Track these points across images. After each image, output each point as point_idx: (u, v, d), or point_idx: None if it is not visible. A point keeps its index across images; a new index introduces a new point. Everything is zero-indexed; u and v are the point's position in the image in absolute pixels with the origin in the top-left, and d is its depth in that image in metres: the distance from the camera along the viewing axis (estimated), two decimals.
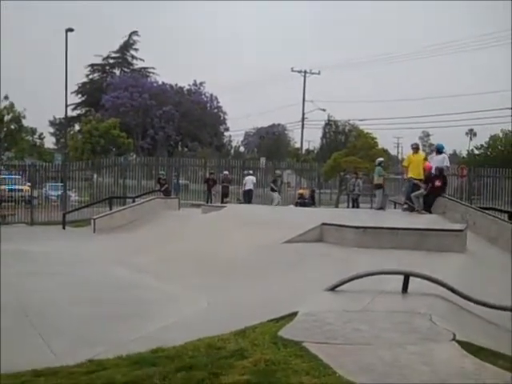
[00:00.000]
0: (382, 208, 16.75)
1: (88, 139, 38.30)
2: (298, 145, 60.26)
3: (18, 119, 44.35)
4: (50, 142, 66.83)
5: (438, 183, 14.55)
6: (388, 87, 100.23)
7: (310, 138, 71.07)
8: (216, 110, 65.63)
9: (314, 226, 12.07)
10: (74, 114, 64.29)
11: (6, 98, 43.85)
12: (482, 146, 46.17)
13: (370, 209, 21.22)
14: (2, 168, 26.06)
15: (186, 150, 62.97)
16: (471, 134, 74.87)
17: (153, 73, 68.44)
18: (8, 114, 43.32)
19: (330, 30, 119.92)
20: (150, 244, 13.47)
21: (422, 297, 6.42)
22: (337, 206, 28.75)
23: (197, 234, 13.46)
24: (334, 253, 10.54)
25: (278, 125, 69.17)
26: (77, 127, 59.68)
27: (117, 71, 69.50)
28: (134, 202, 20.83)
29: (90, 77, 68.80)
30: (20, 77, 78.37)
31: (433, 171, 14.78)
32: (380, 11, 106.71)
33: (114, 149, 39.72)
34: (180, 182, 28.63)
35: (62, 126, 62.44)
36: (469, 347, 4.60)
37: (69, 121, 51.91)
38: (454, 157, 55.83)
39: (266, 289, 8.48)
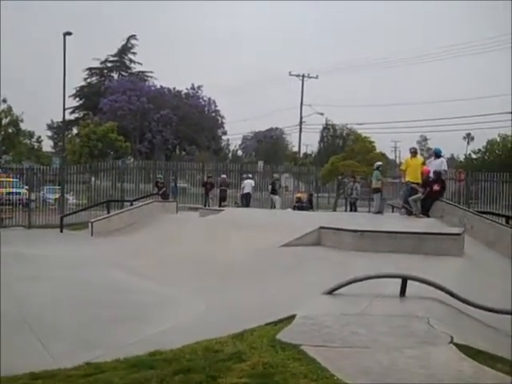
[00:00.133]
0: (379, 212, 16.79)
1: (86, 143, 38.36)
2: (295, 148, 60.47)
3: (15, 123, 44.42)
4: (47, 146, 67.01)
5: (436, 187, 14.59)
6: (386, 91, 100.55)
7: (308, 142, 71.54)
8: (214, 114, 65.73)
9: (311, 229, 12.10)
10: (72, 117, 64.26)
11: (4, 101, 43.94)
12: (479, 150, 46.25)
13: (367, 213, 21.22)
14: (0, 171, 26.03)
15: (183, 153, 62.97)
16: (469, 138, 75.25)
17: (151, 76, 68.58)
18: (6, 117, 43.36)
19: (329, 30, 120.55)
20: (147, 247, 13.46)
21: (420, 300, 6.43)
22: (335, 210, 28.78)
23: (194, 237, 13.47)
24: (331, 256, 10.56)
25: (276, 128, 69.40)
26: (75, 131, 59.49)
27: (115, 75, 69.51)
28: (131, 205, 20.78)
29: (88, 80, 68.87)
30: (20, 77, 78.64)
31: (431, 175, 14.82)
32: (380, 14, 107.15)
33: (111, 152, 39.78)
34: (178, 184, 28.63)
35: (59, 130, 62.07)
36: (467, 350, 4.60)
37: (67, 124, 51.75)
38: (451, 161, 55.90)
39: (264, 292, 8.46)
